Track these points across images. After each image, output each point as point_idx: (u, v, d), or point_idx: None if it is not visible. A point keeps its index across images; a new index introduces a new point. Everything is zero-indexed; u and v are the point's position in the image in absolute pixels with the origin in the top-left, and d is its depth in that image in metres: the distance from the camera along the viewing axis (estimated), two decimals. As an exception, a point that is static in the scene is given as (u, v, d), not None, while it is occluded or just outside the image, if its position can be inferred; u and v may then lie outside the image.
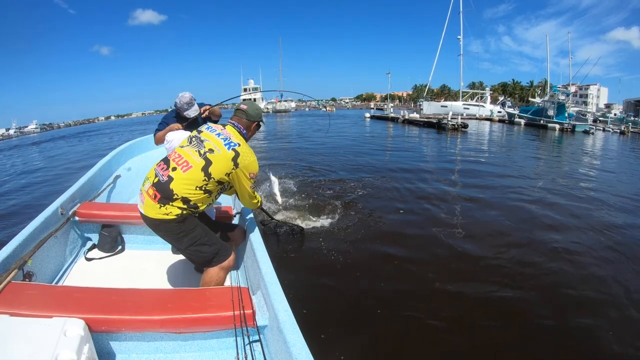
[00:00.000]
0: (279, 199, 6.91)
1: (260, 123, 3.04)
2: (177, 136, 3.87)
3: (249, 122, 2.88)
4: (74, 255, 3.61)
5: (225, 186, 2.77)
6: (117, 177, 5.16)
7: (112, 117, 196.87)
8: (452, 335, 3.80)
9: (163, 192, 2.48)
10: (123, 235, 3.92)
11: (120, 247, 3.83)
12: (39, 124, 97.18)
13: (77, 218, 3.68)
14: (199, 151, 2.59)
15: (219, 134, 2.70)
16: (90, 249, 3.71)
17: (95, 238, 3.84)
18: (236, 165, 2.59)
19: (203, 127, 2.84)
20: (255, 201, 3.10)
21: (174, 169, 2.55)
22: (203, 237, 2.66)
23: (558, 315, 4.17)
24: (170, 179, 2.50)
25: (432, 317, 4.07)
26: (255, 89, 75.09)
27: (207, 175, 2.51)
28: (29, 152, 30.89)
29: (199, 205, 2.60)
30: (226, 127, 2.80)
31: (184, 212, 2.52)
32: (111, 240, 3.76)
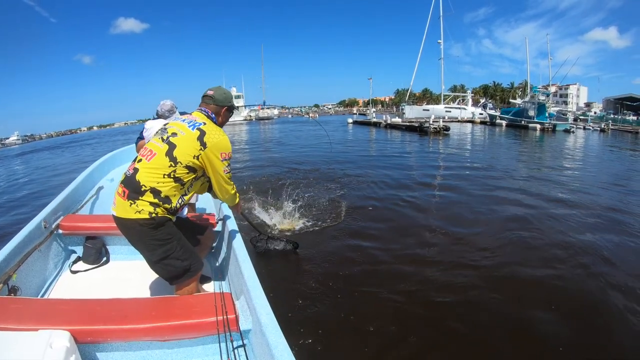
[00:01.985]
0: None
1: (233, 108, 2.86)
2: (155, 124, 3.80)
3: (217, 107, 2.69)
4: (58, 268, 3.58)
5: (198, 175, 2.56)
6: (100, 188, 5.14)
7: (95, 128, 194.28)
8: (441, 330, 3.93)
9: (130, 186, 2.38)
10: (107, 247, 3.90)
11: (105, 259, 3.81)
12: (20, 136, 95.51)
13: (60, 231, 3.67)
14: (161, 137, 2.49)
15: (183, 120, 2.59)
16: (75, 262, 3.70)
17: (79, 250, 3.82)
18: (203, 144, 2.43)
19: (171, 119, 2.77)
20: (233, 192, 2.87)
21: (139, 160, 2.46)
22: (177, 250, 2.53)
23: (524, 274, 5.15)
24: (136, 170, 2.41)
25: (416, 312, 4.20)
26: (238, 97, 74.77)
27: (173, 159, 2.38)
28: (13, 163, 30.25)
29: (171, 198, 2.43)
30: (192, 113, 2.70)
31: (157, 209, 2.38)
32: (95, 252, 3.74)
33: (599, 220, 7.43)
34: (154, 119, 4.36)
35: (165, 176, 2.38)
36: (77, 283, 3.40)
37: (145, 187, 2.36)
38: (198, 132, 2.45)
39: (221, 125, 2.77)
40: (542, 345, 3.68)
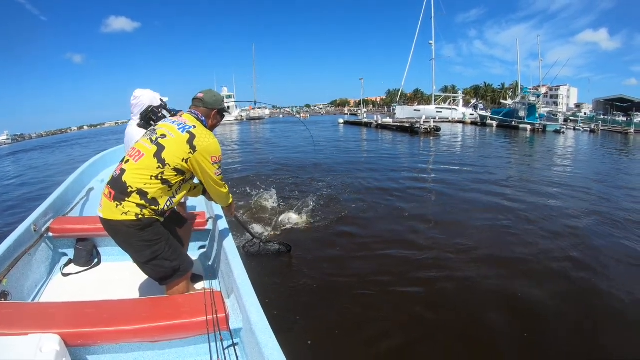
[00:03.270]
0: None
1: (225, 112, 2.87)
2: (145, 93, 3.65)
3: (207, 109, 2.69)
4: (49, 271, 3.55)
5: (186, 177, 2.56)
6: (91, 189, 5.11)
7: (85, 127, 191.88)
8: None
9: (117, 187, 2.35)
10: (98, 248, 3.87)
11: (96, 261, 3.79)
12: (10, 135, 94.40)
13: (51, 234, 3.64)
14: (150, 138, 2.47)
15: (173, 122, 2.57)
16: (66, 265, 3.67)
17: (70, 253, 3.78)
18: (193, 148, 2.42)
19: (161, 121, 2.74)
20: (225, 191, 2.86)
21: (127, 161, 2.43)
22: (166, 251, 2.51)
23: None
24: (123, 171, 2.38)
25: (407, 306, 4.33)
26: (229, 97, 74.32)
27: (161, 161, 2.36)
28: (4, 164, 29.83)
29: (158, 200, 2.42)
30: (183, 115, 2.68)
31: (144, 211, 2.36)
32: (87, 254, 3.71)
33: (578, 214, 7.97)
34: None
35: (153, 178, 2.36)
36: (68, 286, 3.38)
37: (132, 188, 2.34)
38: (188, 135, 2.44)
39: (212, 128, 2.78)
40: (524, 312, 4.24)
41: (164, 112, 3.51)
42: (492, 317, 4.11)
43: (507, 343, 3.71)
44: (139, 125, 3.46)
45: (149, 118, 3.40)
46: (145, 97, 3.61)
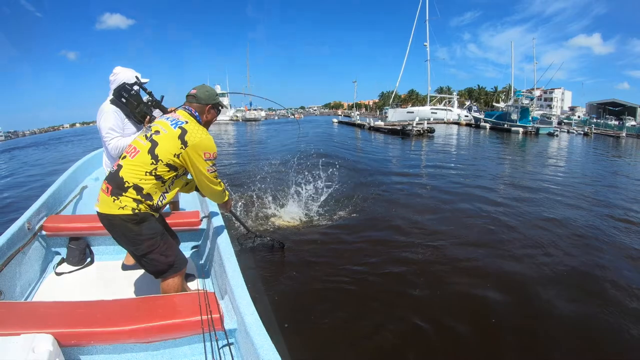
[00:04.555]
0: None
1: (220, 107, 2.86)
2: (124, 71, 3.65)
3: (200, 105, 2.69)
4: (42, 270, 3.53)
5: (179, 173, 2.58)
6: (84, 187, 5.07)
7: (78, 125, 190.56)
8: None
9: (114, 182, 2.41)
10: (92, 247, 3.86)
11: (89, 260, 3.77)
12: (3, 132, 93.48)
13: (44, 232, 3.60)
14: (145, 135, 2.52)
15: (167, 118, 2.60)
16: (59, 263, 3.65)
17: (63, 252, 3.76)
18: (184, 143, 2.44)
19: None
20: (220, 189, 2.85)
21: (124, 157, 2.49)
22: (161, 246, 2.58)
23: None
24: (120, 167, 2.44)
25: (400, 303, 4.35)
26: (222, 95, 74.30)
27: (154, 157, 2.41)
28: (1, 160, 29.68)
29: (152, 195, 2.48)
30: (177, 111, 2.69)
31: (140, 206, 2.42)
32: (79, 253, 3.69)
33: (565, 208, 8.54)
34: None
35: (147, 173, 2.42)
36: (61, 285, 3.36)
37: (129, 183, 2.39)
38: (179, 131, 2.47)
39: (207, 123, 2.79)
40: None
41: (139, 89, 3.54)
42: (482, 295, 4.45)
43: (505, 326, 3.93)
44: (111, 101, 3.49)
45: (120, 95, 3.42)
46: (123, 75, 3.62)
